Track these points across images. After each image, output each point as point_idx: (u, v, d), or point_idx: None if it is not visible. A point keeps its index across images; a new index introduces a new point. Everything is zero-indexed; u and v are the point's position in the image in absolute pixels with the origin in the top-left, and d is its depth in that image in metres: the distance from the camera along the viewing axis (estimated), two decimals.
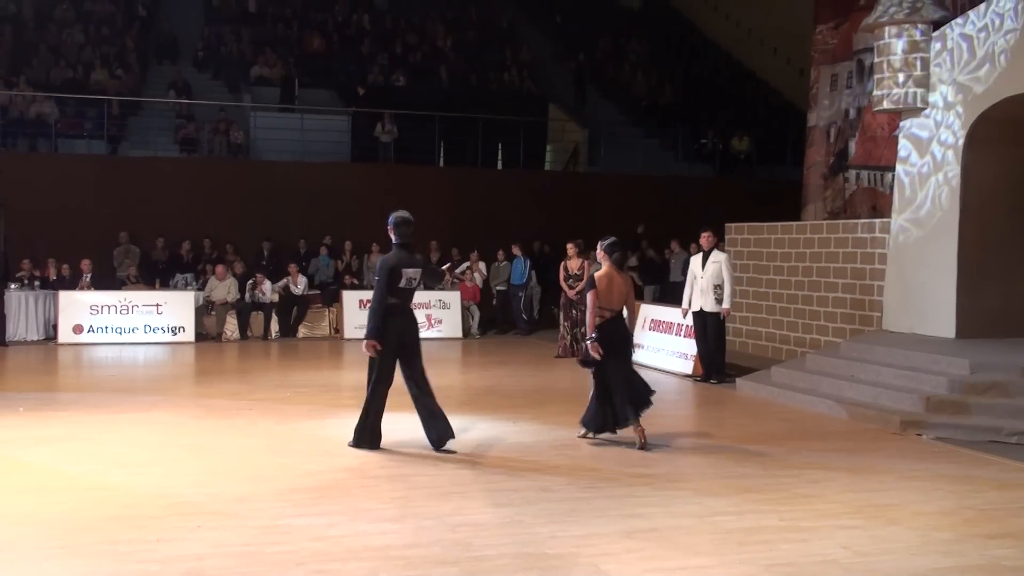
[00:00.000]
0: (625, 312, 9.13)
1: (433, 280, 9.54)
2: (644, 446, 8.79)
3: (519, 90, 25.93)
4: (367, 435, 8.65)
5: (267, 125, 21.90)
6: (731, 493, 7.34)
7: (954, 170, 12.01)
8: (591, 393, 9.14)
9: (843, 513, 6.87)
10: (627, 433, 9.01)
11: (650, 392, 9.04)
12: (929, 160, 12.37)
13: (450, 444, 8.60)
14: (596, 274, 9.11)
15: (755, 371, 13.06)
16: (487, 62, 26.80)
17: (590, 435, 9.19)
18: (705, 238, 13.10)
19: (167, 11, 27.09)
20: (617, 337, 8.99)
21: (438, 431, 8.59)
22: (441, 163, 22.81)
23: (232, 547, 5.94)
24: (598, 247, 9.33)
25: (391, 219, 8.77)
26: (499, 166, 23.66)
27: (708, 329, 12.98)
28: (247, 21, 26.34)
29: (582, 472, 7.94)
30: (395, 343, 8.49)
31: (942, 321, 12.02)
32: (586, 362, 9.11)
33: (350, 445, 8.68)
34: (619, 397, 8.85)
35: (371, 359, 8.54)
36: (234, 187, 19.75)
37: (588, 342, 8.95)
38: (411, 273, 8.56)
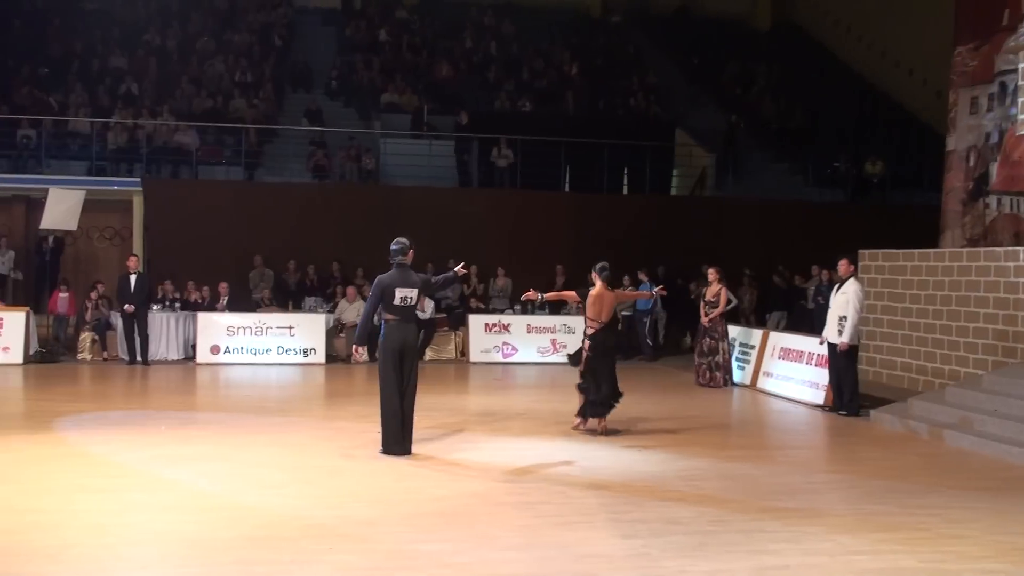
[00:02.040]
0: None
1: (437, 290, 10.56)
2: (606, 432, 10.64)
3: (645, 115, 25.83)
4: (389, 440, 9.41)
5: (396, 151, 22.35)
6: (866, 531, 7.10)
7: None
8: (578, 384, 10.99)
9: (986, 556, 6.57)
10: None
11: (618, 396, 10.83)
12: None
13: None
14: (590, 292, 10.88)
15: (890, 402, 12.64)
16: (613, 87, 26.80)
17: (582, 425, 10.89)
18: (842, 265, 12.79)
19: (302, 41, 27.98)
20: (608, 343, 10.92)
21: (402, 443, 9.39)
22: (567, 188, 22.84)
23: (362, 571, 6.02)
24: (592, 272, 11.10)
25: (392, 244, 9.62)
26: (625, 191, 23.58)
27: (834, 360, 12.67)
28: (378, 50, 26.98)
29: (710, 504, 7.80)
30: (395, 353, 9.35)
31: None
32: (572, 360, 11.26)
33: (380, 452, 9.40)
34: (605, 391, 10.67)
35: (379, 370, 9.46)
36: (364, 212, 20.18)
37: (583, 345, 10.94)
38: (405, 292, 9.39)
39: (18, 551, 6.26)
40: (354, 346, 9.82)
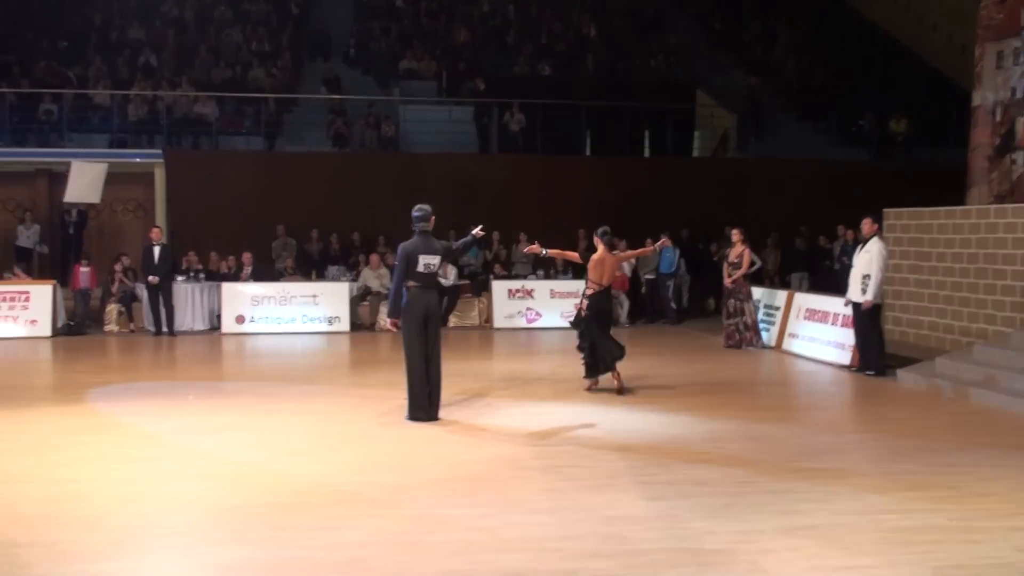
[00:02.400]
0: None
1: (457, 256, 10.15)
2: (622, 390, 10.99)
3: (666, 76, 25.61)
4: (415, 406, 9.46)
5: (415, 118, 22.28)
6: (895, 490, 7.09)
7: None
8: (577, 344, 11.44)
9: (1018, 513, 6.55)
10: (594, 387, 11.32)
11: (622, 349, 11.17)
12: None
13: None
14: (592, 256, 11.27)
15: (917, 362, 12.57)
16: (633, 49, 26.57)
17: (593, 386, 11.28)
18: (865, 224, 12.68)
19: (319, 9, 27.84)
20: (604, 305, 11.34)
21: (427, 409, 9.45)
22: (588, 152, 22.73)
23: (391, 535, 6.07)
24: (594, 236, 11.48)
25: (413, 211, 9.63)
26: (646, 154, 23.44)
27: (858, 320, 12.59)
28: (395, 16, 26.83)
29: (737, 465, 7.79)
30: (419, 319, 9.40)
31: None
32: (574, 323, 11.57)
33: (407, 419, 9.44)
34: (603, 349, 11.06)
35: (403, 337, 9.49)
36: (385, 179, 20.17)
37: (583, 306, 11.36)
38: (428, 259, 9.45)
39: (55, 519, 6.35)
40: (389, 320, 9.79)
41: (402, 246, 9.54)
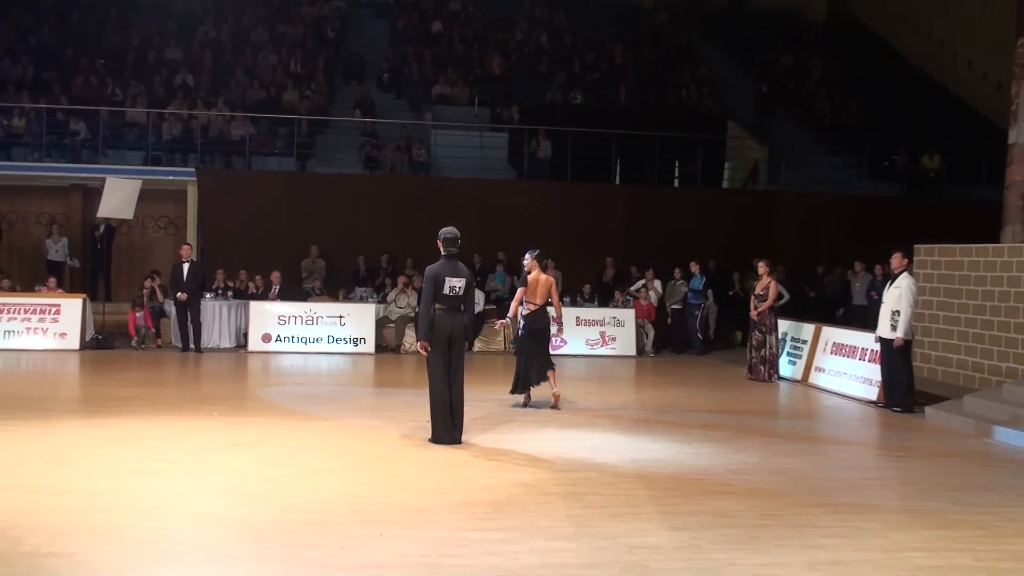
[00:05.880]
0: (551, 307, 12.09)
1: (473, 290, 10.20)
2: (555, 405, 11.77)
3: (697, 107, 25.64)
4: (438, 429, 9.47)
5: (447, 143, 22.39)
6: (921, 528, 7.00)
7: None
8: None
9: None
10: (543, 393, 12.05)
11: (551, 365, 11.95)
12: None
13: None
14: (528, 276, 11.81)
15: (945, 399, 12.44)
16: (665, 79, 26.62)
17: (525, 398, 11.95)
18: (895, 259, 12.59)
19: (355, 33, 28.13)
20: (539, 324, 11.90)
21: (450, 432, 9.45)
22: (617, 180, 22.75)
23: (412, 557, 6.04)
24: (527, 256, 11.91)
25: (440, 234, 9.70)
26: (676, 184, 23.42)
27: (887, 356, 12.47)
28: (429, 42, 27.02)
29: (761, 498, 7.72)
30: (443, 342, 9.44)
31: None
32: (513, 342, 12.34)
33: (429, 440, 9.47)
34: (536, 365, 11.81)
35: (428, 359, 9.56)
36: (414, 203, 20.24)
37: (520, 328, 12.04)
38: (454, 282, 9.53)
39: (75, 531, 6.37)
40: (420, 344, 9.65)
41: (429, 268, 9.59)
